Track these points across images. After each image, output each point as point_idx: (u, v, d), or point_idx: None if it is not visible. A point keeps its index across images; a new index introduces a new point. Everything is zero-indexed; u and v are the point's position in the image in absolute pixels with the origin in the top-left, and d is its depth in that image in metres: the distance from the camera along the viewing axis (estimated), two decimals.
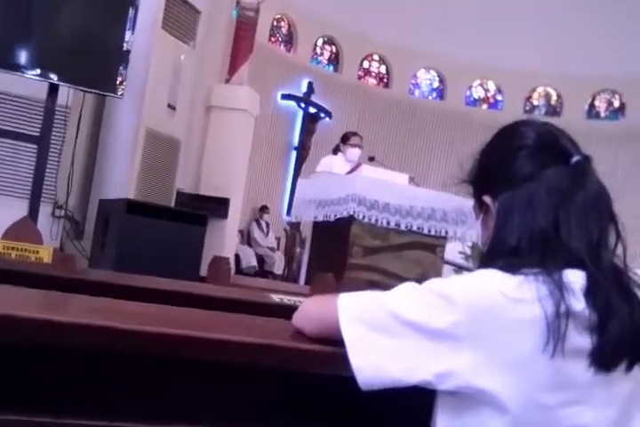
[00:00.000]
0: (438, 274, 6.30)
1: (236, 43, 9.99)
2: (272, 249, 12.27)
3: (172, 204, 7.53)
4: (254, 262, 11.63)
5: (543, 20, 13.80)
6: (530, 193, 1.29)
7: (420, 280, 1.29)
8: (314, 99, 13.98)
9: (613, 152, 13.37)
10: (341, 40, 14.77)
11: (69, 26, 5.72)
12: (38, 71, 5.50)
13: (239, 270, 10.79)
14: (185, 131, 7.89)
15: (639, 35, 13.24)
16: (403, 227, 6.10)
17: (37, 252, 2.95)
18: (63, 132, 6.09)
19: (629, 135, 14.21)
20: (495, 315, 1.17)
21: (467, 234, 6.38)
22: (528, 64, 14.07)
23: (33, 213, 5.55)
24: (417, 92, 15.70)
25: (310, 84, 13.96)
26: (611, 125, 14.88)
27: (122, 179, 6.82)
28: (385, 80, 15.48)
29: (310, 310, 1.42)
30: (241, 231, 11.58)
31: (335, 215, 6.04)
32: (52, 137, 5.77)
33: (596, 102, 15.54)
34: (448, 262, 7.20)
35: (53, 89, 5.65)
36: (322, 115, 14.13)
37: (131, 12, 5.87)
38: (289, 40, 14.22)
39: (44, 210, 5.94)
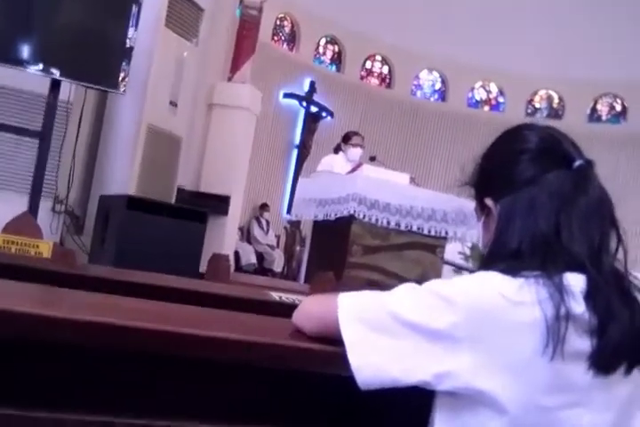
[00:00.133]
0: (438, 274, 6.30)
1: (239, 41, 9.99)
2: (271, 247, 12.28)
3: (173, 200, 7.53)
4: (254, 260, 11.63)
5: (545, 22, 13.81)
6: (532, 197, 1.29)
7: (419, 280, 1.29)
8: (316, 98, 13.98)
9: (615, 156, 13.37)
10: (344, 40, 14.76)
11: (72, 21, 5.72)
12: (41, 66, 5.50)
13: (238, 268, 10.80)
14: (186, 128, 7.90)
15: None
16: (403, 227, 6.10)
17: (37, 246, 2.95)
18: (65, 127, 6.10)
19: (631, 139, 14.21)
20: (495, 317, 1.17)
21: (467, 235, 6.39)
22: (530, 67, 14.08)
23: (33, 207, 5.55)
24: (419, 94, 15.70)
25: (312, 84, 13.96)
26: (612, 129, 14.88)
27: (123, 175, 6.83)
28: (387, 80, 15.48)
29: (310, 309, 1.42)
30: (241, 229, 11.59)
31: (335, 214, 6.04)
32: (54, 132, 5.77)
33: (598, 106, 15.54)
34: (448, 263, 7.20)
35: (55, 84, 5.65)
36: (323, 114, 14.13)
37: (134, 8, 5.88)
38: (292, 39, 14.22)
39: (45, 205, 5.95)
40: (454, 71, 15.17)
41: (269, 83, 12.35)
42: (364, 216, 5.95)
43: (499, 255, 1.30)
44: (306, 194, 6.59)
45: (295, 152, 13.99)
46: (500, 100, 15.82)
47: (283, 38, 14.05)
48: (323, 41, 14.77)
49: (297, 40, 14.23)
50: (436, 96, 15.80)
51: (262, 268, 11.84)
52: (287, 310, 1.52)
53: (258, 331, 1.46)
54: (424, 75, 15.67)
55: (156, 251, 5.80)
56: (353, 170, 6.88)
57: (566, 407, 1.19)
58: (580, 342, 1.17)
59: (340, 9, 13.24)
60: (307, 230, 8.94)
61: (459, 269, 7.73)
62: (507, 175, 1.35)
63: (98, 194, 6.68)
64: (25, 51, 5.50)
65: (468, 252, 8.13)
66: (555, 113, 15.67)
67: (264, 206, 12.57)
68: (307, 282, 6.21)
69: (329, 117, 14.18)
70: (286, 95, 13.64)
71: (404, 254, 6.18)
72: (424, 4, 13.77)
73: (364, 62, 15.23)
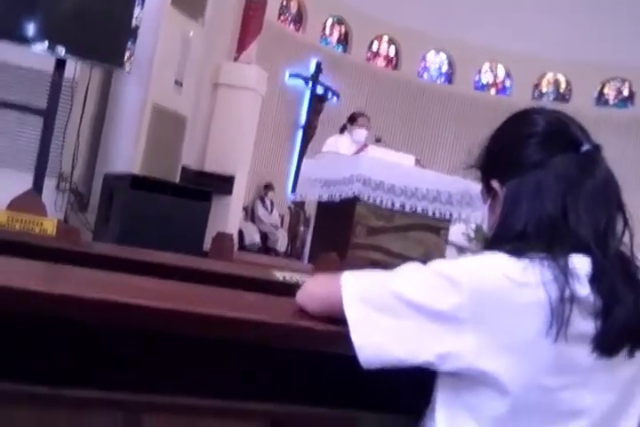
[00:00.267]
0: (442, 255, 6.30)
1: (245, 21, 9.93)
2: (275, 227, 12.29)
3: (177, 179, 7.53)
4: (258, 239, 11.65)
5: (554, 5, 13.69)
6: (538, 180, 1.28)
7: (423, 260, 1.28)
8: (322, 79, 13.91)
9: (622, 140, 13.31)
10: (351, 20, 14.67)
11: (78, 0, 5.70)
12: (46, 44, 5.49)
13: (242, 247, 10.82)
14: (191, 107, 7.88)
15: None
16: (407, 208, 6.09)
17: (42, 224, 2.95)
18: (70, 105, 6.09)
19: (638, 124, 14.15)
20: (499, 298, 1.17)
21: (471, 216, 6.38)
22: (538, 50, 13.98)
23: (38, 185, 5.56)
24: (425, 76, 15.62)
25: (319, 64, 13.89)
26: (619, 113, 14.80)
27: (127, 153, 6.83)
28: (394, 62, 15.39)
29: (314, 289, 1.43)
30: (245, 209, 11.59)
31: (340, 195, 6.03)
32: (59, 110, 5.77)
33: (605, 90, 15.45)
34: (451, 244, 7.19)
35: (60, 62, 5.64)
36: (329, 95, 14.07)
37: None
38: (298, 19, 14.12)
39: (49, 183, 5.95)
40: (461, 53, 15.08)
41: (275, 63, 12.28)
42: (369, 197, 5.94)
43: (504, 237, 1.30)
44: (311, 174, 6.58)
45: (300, 133, 13.95)
46: (507, 83, 15.73)
47: (289, 18, 13.96)
48: (329, 21, 14.67)
49: (303, 20, 14.13)
50: (443, 79, 15.72)
51: (266, 247, 11.86)
52: (291, 289, 1.52)
53: (261, 310, 1.46)
54: (431, 56, 15.57)
55: (160, 229, 5.81)
56: (358, 151, 6.86)
57: (568, 388, 1.20)
58: (585, 325, 1.18)
59: None
60: (311, 211, 8.93)
61: (462, 250, 7.72)
62: (514, 158, 1.34)
63: (102, 172, 6.68)
64: (30, 28, 5.48)
65: (472, 234, 8.12)
66: (562, 97, 15.58)
67: (268, 186, 12.57)
68: (310, 262, 6.22)
69: (335, 98, 14.12)
70: (292, 75, 13.58)
71: (408, 235, 6.17)
72: None
73: (371, 43, 15.14)
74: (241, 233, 10.94)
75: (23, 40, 5.44)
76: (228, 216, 8.87)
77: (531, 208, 1.27)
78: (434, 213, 6.22)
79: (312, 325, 1.32)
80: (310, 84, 13.81)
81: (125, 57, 5.84)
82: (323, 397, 1.45)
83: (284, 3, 13.74)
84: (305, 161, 7.71)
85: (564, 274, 1.17)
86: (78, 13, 5.65)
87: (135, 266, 2.22)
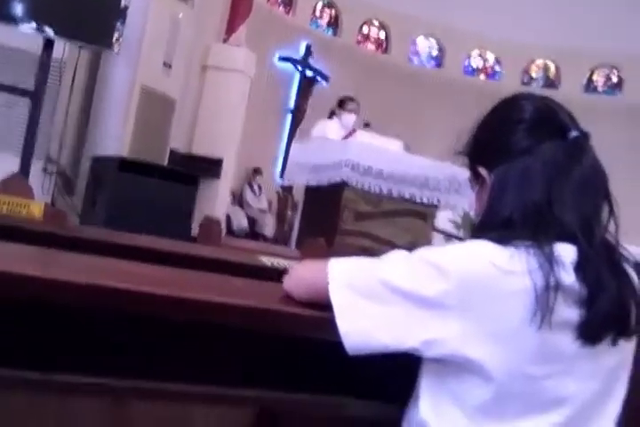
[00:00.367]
0: (429, 242, 6.31)
1: (235, 3, 9.87)
2: (263, 211, 12.27)
3: (165, 162, 7.51)
4: (245, 224, 11.62)
5: None
6: (525, 166, 1.28)
7: (410, 248, 1.29)
8: (311, 62, 13.85)
9: (610, 127, 13.31)
10: (341, 4, 14.60)
11: None
12: (34, 24, 5.44)
13: (230, 231, 10.80)
14: (180, 89, 7.85)
15: None
16: (395, 194, 6.09)
17: (28, 207, 2.94)
18: (57, 87, 6.04)
19: (627, 111, 14.16)
20: (486, 286, 1.17)
21: (459, 203, 6.38)
22: (527, 36, 13.94)
23: (24, 168, 5.53)
24: (415, 60, 15.58)
25: (308, 47, 13.82)
26: (608, 100, 14.82)
27: (115, 136, 6.80)
28: (384, 46, 15.35)
29: (301, 275, 1.43)
30: (233, 193, 11.57)
31: (328, 180, 6.02)
32: (46, 92, 5.72)
33: (594, 77, 15.46)
34: (438, 230, 7.20)
35: (48, 43, 5.59)
36: (319, 78, 14.00)
37: None
38: (288, 2, 14.02)
39: (36, 165, 5.92)
40: (451, 38, 15.04)
41: (264, 45, 12.21)
42: (357, 182, 5.93)
43: (490, 224, 1.30)
44: (299, 159, 6.56)
45: (289, 116, 13.90)
46: (497, 68, 15.72)
47: (279, 1, 13.87)
48: (319, 4, 14.59)
49: (293, 3, 14.04)
50: (433, 63, 15.69)
51: (254, 232, 11.83)
52: (278, 275, 1.53)
53: (249, 295, 1.47)
54: (421, 40, 15.53)
55: (148, 213, 5.79)
56: (347, 136, 6.84)
57: (552, 377, 1.20)
58: (569, 312, 1.18)
59: None
60: (299, 196, 8.93)
61: (449, 236, 7.74)
62: (502, 145, 1.34)
63: (90, 155, 6.65)
64: (18, 8, 5.43)
65: (459, 220, 8.14)
66: (551, 83, 15.59)
67: (257, 171, 12.53)
68: (298, 247, 6.22)
69: (324, 82, 14.06)
70: (282, 58, 13.50)
71: (395, 221, 6.17)
72: None
73: (361, 27, 15.07)
74: (229, 218, 10.93)
75: (11, 20, 5.38)
76: (216, 200, 8.86)
77: (517, 195, 1.27)
78: (421, 199, 6.22)
79: (299, 311, 1.32)
80: (300, 67, 13.74)
81: (114, 38, 5.79)
82: (311, 383, 1.45)
83: None
84: (294, 145, 7.69)
85: (549, 262, 1.18)
86: None
87: (124, 250, 2.21)
